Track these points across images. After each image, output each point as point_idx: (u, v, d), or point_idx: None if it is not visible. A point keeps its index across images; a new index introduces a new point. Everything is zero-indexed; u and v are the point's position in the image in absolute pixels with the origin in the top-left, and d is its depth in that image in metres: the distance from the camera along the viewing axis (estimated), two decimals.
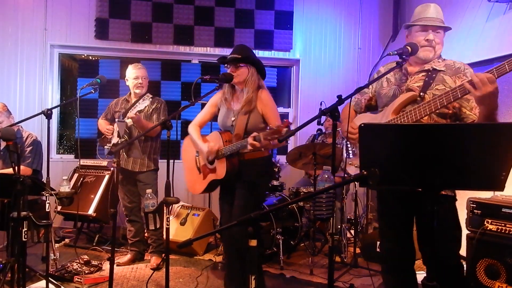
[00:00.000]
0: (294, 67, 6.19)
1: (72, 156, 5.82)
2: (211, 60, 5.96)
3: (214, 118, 3.18)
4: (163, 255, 3.82)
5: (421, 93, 2.22)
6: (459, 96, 1.99)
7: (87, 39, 5.55)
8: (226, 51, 5.82)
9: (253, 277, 1.64)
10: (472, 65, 4.03)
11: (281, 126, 2.42)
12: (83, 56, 5.97)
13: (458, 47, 4.30)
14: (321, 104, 4.53)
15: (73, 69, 6.06)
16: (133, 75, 4.02)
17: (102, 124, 4.13)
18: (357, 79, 6.02)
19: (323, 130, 5.03)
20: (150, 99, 3.95)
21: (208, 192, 3.21)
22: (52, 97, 5.63)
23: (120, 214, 4.55)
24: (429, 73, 2.27)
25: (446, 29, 2.32)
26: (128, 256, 4.11)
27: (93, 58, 5.98)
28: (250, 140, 2.57)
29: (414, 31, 2.34)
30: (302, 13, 6.00)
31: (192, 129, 3.10)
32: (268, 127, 2.59)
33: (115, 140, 3.94)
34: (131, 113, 3.69)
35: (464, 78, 2.21)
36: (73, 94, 5.93)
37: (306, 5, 6.02)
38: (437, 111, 2.11)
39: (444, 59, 2.34)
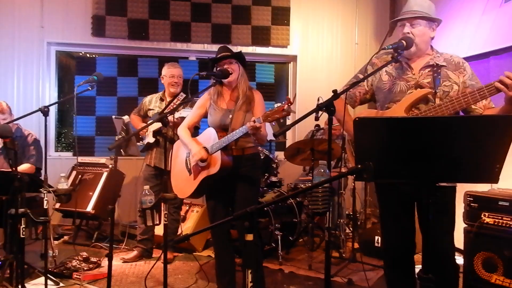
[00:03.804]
0: (292, 63, 6.19)
1: (70, 153, 5.82)
2: (208, 57, 5.96)
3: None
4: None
5: (436, 90, 2.19)
6: (487, 96, 2.00)
7: (84, 36, 5.53)
8: None
9: (249, 271, 1.65)
10: (469, 58, 4.06)
11: (282, 105, 2.44)
12: (80, 54, 5.97)
13: (454, 41, 4.30)
14: (318, 99, 4.51)
15: (70, 67, 6.05)
16: (169, 73, 4.09)
17: (136, 120, 4.17)
18: (354, 75, 6.01)
19: (321, 126, 5.03)
20: (187, 105, 3.89)
21: (197, 197, 3.11)
22: (50, 95, 5.63)
23: (119, 211, 4.57)
24: (435, 68, 2.24)
25: (429, 19, 2.24)
26: (134, 253, 4.12)
27: (90, 56, 5.97)
28: (250, 123, 2.59)
29: (398, 27, 2.34)
30: (299, 9, 5.99)
31: (182, 131, 3.09)
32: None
33: (149, 139, 3.97)
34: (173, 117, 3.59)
35: (465, 73, 2.22)
36: (71, 92, 5.93)
37: (303, 1, 6.01)
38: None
39: (441, 53, 2.31)
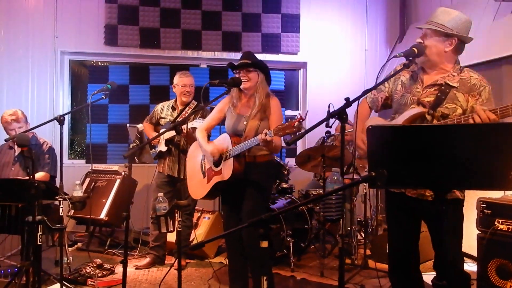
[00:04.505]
0: (302, 69, 6.22)
1: (83, 161, 5.89)
2: (219, 64, 6.02)
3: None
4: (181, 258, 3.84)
5: (431, 111, 2.19)
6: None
7: (97, 45, 5.62)
8: (234, 55, 5.87)
9: (264, 278, 1.67)
10: (480, 64, 4.06)
11: (293, 121, 2.48)
12: (92, 63, 6.05)
13: (465, 47, 4.29)
14: (329, 106, 4.54)
15: (82, 75, 6.13)
16: (181, 82, 4.11)
17: (148, 128, 4.22)
18: (364, 81, 6.03)
19: (332, 133, 5.03)
20: (195, 111, 3.95)
21: (210, 198, 3.23)
22: (63, 103, 5.71)
23: (132, 218, 4.60)
24: (442, 87, 2.21)
25: (445, 34, 2.20)
26: (147, 260, 4.14)
27: (102, 64, 6.05)
28: (261, 136, 2.64)
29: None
30: (309, 16, 6.02)
31: (199, 133, 3.15)
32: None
33: (161, 147, 4.01)
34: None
35: (477, 97, 2.17)
36: (84, 100, 6.01)
37: (313, 8, 6.04)
38: None
39: (461, 70, 2.26)
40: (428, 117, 2.20)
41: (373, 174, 1.41)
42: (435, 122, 2.18)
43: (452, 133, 1.56)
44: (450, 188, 1.60)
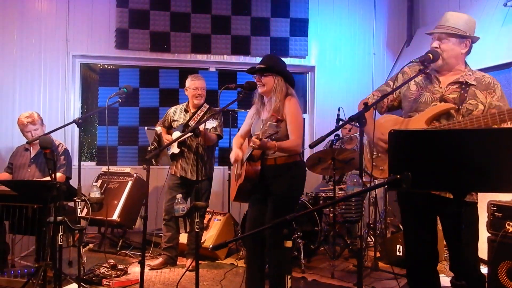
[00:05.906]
0: (310, 73, 6.28)
1: (93, 163, 5.95)
2: (228, 68, 6.08)
3: None
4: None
5: (460, 107, 2.25)
6: (507, 120, 2.04)
7: (108, 49, 5.69)
8: (243, 59, 5.95)
9: (288, 277, 1.72)
10: (489, 69, 4.11)
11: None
12: (99, 65, 6.08)
13: (473, 52, 4.34)
14: (339, 110, 4.60)
15: (90, 79, 6.19)
16: (193, 85, 4.20)
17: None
18: (372, 85, 6.07)
19: (340, 136, 5.08)
20: (211, 115, 4.01)
21: (241, 201, 3.22)
22: (74, 106, 5.77)
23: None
24: (463, 85, 2.30)
25: (461, 36, 2.29)
26: (159, 260, 4.20)
27: (109, 67, 6.08)
28: (253, 138, 2.68)
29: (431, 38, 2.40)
30: (317, 20, 6.08)
31: (234, 139, 3.24)
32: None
33: (174, 149, 4.07)
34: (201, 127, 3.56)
35: (493, 94, 2.26)
36: (94, 103, 6.07)
37: (321, 12, 6.10)
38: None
39: (473, 72, 2.35)
40: (453, 112, 2.27)
41: (398, 176, 1.46)
42: (460, 118, 2.23)
43: (472, 137, 1.61)
44: (470, 191, 1.65)
